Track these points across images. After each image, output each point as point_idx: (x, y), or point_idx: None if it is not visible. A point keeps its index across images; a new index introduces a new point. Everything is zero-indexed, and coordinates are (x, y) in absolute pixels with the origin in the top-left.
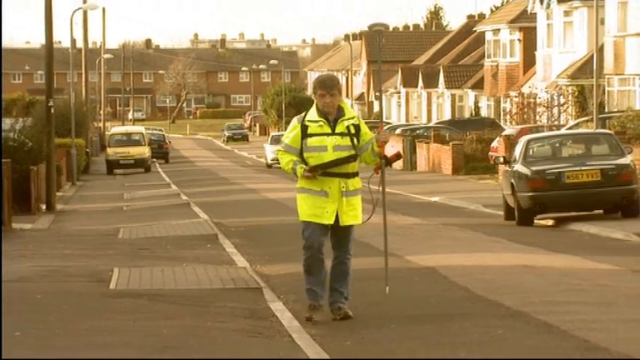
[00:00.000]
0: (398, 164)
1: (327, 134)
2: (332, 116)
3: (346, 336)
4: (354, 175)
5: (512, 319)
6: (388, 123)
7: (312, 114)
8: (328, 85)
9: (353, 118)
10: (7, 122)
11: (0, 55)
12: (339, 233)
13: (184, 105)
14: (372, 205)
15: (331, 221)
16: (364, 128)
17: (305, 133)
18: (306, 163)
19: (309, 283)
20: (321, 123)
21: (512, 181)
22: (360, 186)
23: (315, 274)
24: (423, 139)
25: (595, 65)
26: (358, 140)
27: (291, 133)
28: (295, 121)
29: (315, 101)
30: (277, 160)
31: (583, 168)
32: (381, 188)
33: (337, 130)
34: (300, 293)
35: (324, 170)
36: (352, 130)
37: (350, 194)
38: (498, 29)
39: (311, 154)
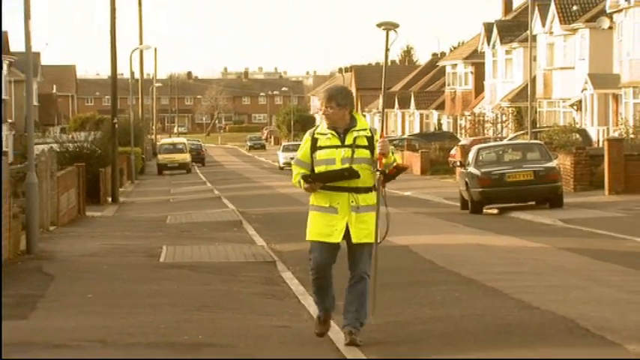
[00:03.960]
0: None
1: (337, 146)
2: (341, 128)
3: (339, 299)
4: (367, 190)
5: (467, 285)
6: None
7: (323, 126)
8: (325, 97)
9: (365, 129)
10: (81, 135)
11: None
12: (354, 251)
13: (217, 122)
14: (384, 226)
15: (339, 239)
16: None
17: (315, 146)
18: None
19: (320, 299)
20: (330, 135)
21: (466, 179)
22: (374, 202)
23: (325, 293)
24: (399, 148)
25: (529, 91)
26: (372, 152)
27: (303, 147)
28: (307, 135)
29: None
30: (289, 164)
31: (520, 170)
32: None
33: (347, 142)
34: (305, 264)
35: (326, 184)
36: (360, 142)
37: (361, 210)
38: (456, 64)
39: (320, 168)
